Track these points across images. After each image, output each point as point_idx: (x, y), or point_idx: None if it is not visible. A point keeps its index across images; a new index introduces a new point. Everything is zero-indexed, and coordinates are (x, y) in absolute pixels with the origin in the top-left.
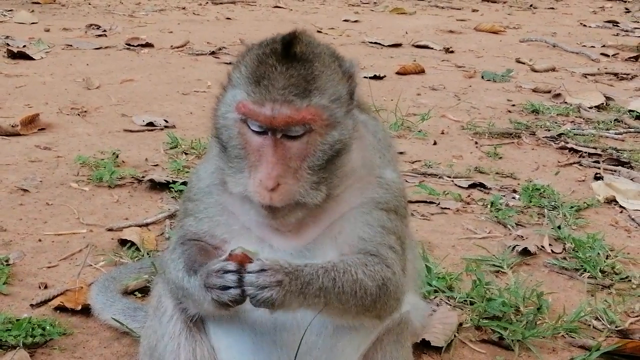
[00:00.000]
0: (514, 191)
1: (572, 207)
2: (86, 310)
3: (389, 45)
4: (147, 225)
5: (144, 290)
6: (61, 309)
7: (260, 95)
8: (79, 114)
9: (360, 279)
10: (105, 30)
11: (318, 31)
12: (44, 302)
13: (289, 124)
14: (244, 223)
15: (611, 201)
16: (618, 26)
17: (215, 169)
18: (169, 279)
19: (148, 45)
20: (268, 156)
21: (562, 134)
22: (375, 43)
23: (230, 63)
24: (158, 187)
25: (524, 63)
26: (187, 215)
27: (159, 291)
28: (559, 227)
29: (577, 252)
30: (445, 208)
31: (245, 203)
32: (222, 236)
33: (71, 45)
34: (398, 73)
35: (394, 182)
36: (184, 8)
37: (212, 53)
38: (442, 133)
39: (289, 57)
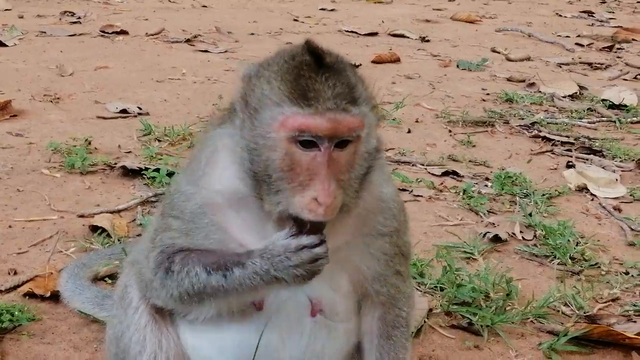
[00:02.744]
0: (487, 179)
1: (543, 194)
2: (55, 297)
3: (365, 34)
4: (118, 211)
5: (114, 277)
6: (30, 295)
7: (314, 107)
8: (51, 101)
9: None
10: (79, 18)
11: (294, 20)
12: (13, 288)
13: (346, 132)
14: (241, 240)
15: (582, 189)
16: (593, 16)
17: (202, 187)
18: (167, 290)
19: (123, 32)
20: (322, 171)
21: (535, 122)
22: (352, 32)
23: (206, 51)
24: (130, 173)
25: (499, 52)
26: (170, 229)
27: (125, 281)
28: (530, 215)
29: (547, 239)
30: (418, 195)
31: (260, 219)
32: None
33: (45, 32)
34: (374, 62)
35: (393, 199)
36: None
37: (188, 41)
38: (417, 121)
39: (323, 68)
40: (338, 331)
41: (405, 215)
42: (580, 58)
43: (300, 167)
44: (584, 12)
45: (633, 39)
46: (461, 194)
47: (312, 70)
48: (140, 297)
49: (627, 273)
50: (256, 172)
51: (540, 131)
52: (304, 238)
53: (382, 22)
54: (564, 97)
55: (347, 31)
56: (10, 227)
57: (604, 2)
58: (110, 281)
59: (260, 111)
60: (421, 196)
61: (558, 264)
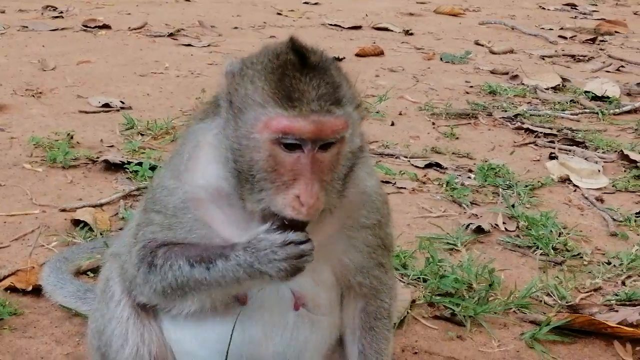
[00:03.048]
0: (470, 171)
1: (526, 186)
2: (37, 291)
3: (349, 28)
4: (101, 205)
5: (97, 271)
6: (12, 289)
7: (298, 109)
8: (33, 95)
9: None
10: (62, 12)
11: (278, 13)
12: None
13: (330, 135)
14: (225, 236)
15: (565, 180)
16: (576, 9)
17: (185, 182)
18: (151, 285)
19: (105, 27)
20: (306, 172)
21: (518, 114)
22: (335, 25)
23: (189, 45)
24: (113, 167)
25: (482, 45)
26: (152, 224)
27: (107, 274)
28: (513, 206)
29: (530, 230)
30: (401, 187)
31: (244, 215)
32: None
33: (27, 27)
34: (357, 55)
35: (376, 192)
36: None
37: (171, 35)
38: (400, 114)
39: (308, 67)
40: (321, 324)
41: (388, 208)
42: (563, 50)
43: (284, 167)
44: (567, 4)
45: (616, 32)
46: (444, 185)
47: (297, 70)
48: (122, 290)
49: (609, 263)
50: (239, 171)
51: (523, 123)
52: (291, 234)
53: (366, 15)
54: (547, 89)
55: (331, 25)
56: None
57: None
58: (92, 275)
59: (244, 111)
60: (404, 188)
61: (540, 254)
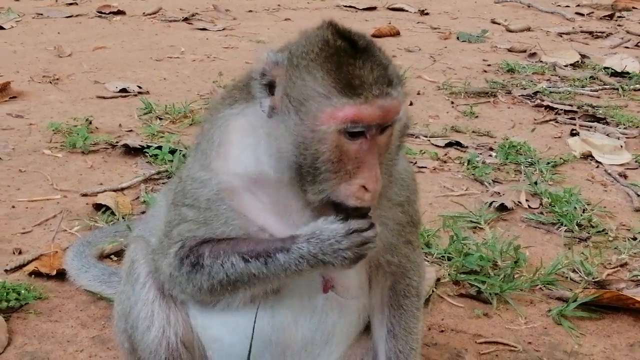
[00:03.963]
0: (491, 149)
1: (548, 163)
2: (61, 275)
3: (364, 9)
4: (122, 189)
5: (120, 254)
6: (36, 273)
7: (363, 96)
8: (50, 82)
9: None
10: None
11: None
12: (19, 268)
13: (392, 117)
14: (262, 224)
15: (587, 156)
16: None
17: (217, 171)
18: (195, 284)
19: (120, 12)
20: (369, 159)
21: (537, 92)
22: (350, 7)
23: (204, 29)
24: (132, 152)
25: (499, 24)
26: (186, 221)
27: (131, 256)
28: (536, 183)
29: (554, 206)
30: (422, 167)
31: (280, 201)
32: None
33: (42, 14)
34: (373, 36)
35: (405, 169)
36: None
37: (185, 19)
38: (418, 94)
39: (359, 52)
40: (349, 308)
41: (416, 184)
42: (580, 27)
43: (348, 156)
44: None
45: (633, 7)
46: (465, 164)
47: (350, 56)
48: (147, 272)
49: (634, 239)
50: (301, 164)
51: (543, 100)
52: (354, 222)
53: None
54: (566, 66)
55: (346, 6)
56: (13, 207)
57: None
58: (116, 258)
59: (305, 104)
60: (425, 167)
61: (565, 231)
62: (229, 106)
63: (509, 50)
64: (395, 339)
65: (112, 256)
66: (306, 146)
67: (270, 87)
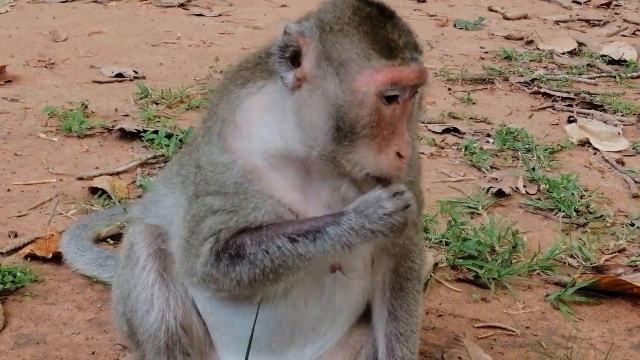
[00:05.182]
0: (488, 135)
1: (546, 149)
2: (57, 258)
3: None
4: (118, 173)
5: (117, 237)
6: (32, 256)
7: (400, 58)
8: (46, 66)
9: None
10: None
11: None
12: (14, 250)
13: (425, 80)
14: (289, 203)
15: (585, 143)
16: None
17: (240, 152)
18: (233, 277)
19: None
20: (401, 124)
21: (535, 79)
22: None
23: (200, 15)
24: (128, 136)
25: (496, 11)
26: (213, 211)
27: (130, 240)
28: (534, 169)
29: (551, 192)
30: (420, 153)
31: (305, 178)
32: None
33: None
34: None
35: (415, 150)
36: None
37: (181, 5)
38: None
39: (388, 17)
40: (354, 288)
41: (421, 164)
42: (577, 15)
43: (384, 121)
44: None
45: None
46: (463, 150)
47: (382, 21)
48: (147, 255)
49: (632, 225)
50: (339, 130)
51: (540, 87)
52: (394, 186)
53: None
54: (563, 53)
55: None
56: (9, 190)
57: None
58: (112, 241)
59: (346, 66)
60: (423, 153)
61: (563, 216)
62: (241, 86)
63: (506, 37)
64: (396, 321)
65: (109, 239)
66: (345, 110)
67: (293, 60)
